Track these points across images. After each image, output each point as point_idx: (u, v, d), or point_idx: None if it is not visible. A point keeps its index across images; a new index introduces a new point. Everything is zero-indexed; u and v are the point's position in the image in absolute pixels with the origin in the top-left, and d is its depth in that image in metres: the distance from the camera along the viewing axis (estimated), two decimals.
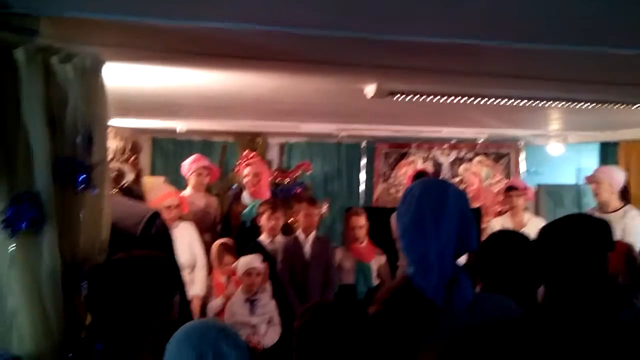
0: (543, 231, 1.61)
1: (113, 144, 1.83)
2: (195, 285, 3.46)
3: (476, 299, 1.39)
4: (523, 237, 1.87)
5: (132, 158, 1.93)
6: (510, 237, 1.90)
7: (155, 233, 1.74)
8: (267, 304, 3.29)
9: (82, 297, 1.42)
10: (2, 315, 1.35)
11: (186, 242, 3.43)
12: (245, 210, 3.95)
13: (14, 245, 1.30)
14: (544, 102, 2.93)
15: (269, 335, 3.23)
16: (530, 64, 2.15)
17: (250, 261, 3.26)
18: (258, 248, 3.53)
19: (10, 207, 1.28)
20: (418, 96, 2.67)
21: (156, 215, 1.78)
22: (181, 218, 3.50)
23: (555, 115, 4.08)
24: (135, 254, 1.46)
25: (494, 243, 1.88)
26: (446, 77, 2.41)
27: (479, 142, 5.68)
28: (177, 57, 1.89)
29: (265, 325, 3.23)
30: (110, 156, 1.75)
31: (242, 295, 3.25)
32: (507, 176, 5.80)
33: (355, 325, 1.31)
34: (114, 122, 1.57)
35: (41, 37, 1.34)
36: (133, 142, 1.95)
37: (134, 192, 1.93)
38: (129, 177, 1.91)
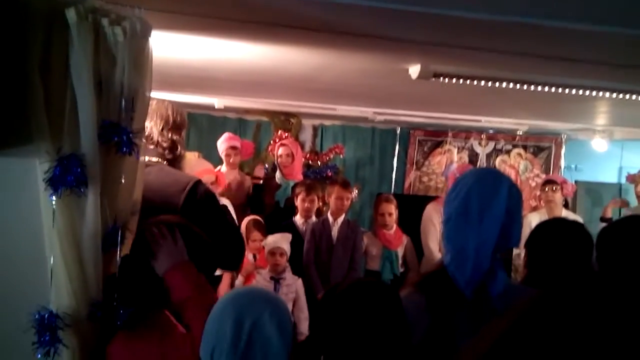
0: (605, 231, 1.55)
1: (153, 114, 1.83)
2: None
3: (507, 291, 1.35)
4: (580, 227, 1.80)
5: (168, 131, 1.92)
6: (565, 226, 1.83)
7: (199, 200, 1.74)
8: (292, 284, 3.29)
9: (118, 259, 1.44)
10: (43, 273, 1.38)
11: None
12: (279, 190, 3.96)
13: (57, 204, 1.32)
14: (593, 91, 2.81)
15: (295, 314, 3.24)
16: (582, 47, 2.06)
17: (276, 240, 3.26)
18: (291, 227, 3.55)
19: (56, 167, 1.29)
20: (463, 80, 2.59)
21: (199, 182, 1.79)
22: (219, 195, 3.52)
23: (602, 109, 3.91)
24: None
25: (546, 231, 1.82)
26: (493, 59, 2.32)
27: (519, 134, 5.51)
28: (222, 27, 1.87)
29: (290, 305, 3.25)
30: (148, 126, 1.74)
31: (267, 274, 3.27)
32: (546, 171, 5.62)
33: (386, 301, 1.26)
34: (154, 94, 1.56)
35: None
36: (167, 116, 1.93)
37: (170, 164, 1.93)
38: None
